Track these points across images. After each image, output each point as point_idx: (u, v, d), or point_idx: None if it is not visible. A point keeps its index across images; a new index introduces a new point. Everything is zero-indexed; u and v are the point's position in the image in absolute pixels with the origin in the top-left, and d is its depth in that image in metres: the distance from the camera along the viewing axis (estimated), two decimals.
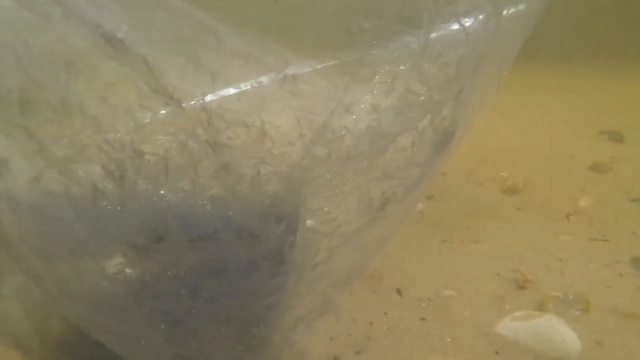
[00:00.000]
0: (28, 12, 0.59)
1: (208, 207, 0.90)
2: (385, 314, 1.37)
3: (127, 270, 0.94)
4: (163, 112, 0.70)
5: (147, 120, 0.69)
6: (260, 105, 0.79)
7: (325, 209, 1.00)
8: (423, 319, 1.35)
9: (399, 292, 1.47)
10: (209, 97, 0.77)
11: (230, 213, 0.93)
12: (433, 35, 0.84)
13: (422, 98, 0.98)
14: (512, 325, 1.26)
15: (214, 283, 0.93)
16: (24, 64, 0.59)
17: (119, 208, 0.80)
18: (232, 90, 0.81)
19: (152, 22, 0.66)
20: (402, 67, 0.96)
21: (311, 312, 1.05)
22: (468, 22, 0.86)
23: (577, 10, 3.59)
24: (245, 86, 0.86)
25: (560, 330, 1.20)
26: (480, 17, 0.87)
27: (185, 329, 0.88)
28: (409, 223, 1.87)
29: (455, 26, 0.89)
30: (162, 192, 0.83)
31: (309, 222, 1.01)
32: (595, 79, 3.56)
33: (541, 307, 1.33)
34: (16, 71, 0.60)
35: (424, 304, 1.41)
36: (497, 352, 1.21)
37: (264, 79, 0.88)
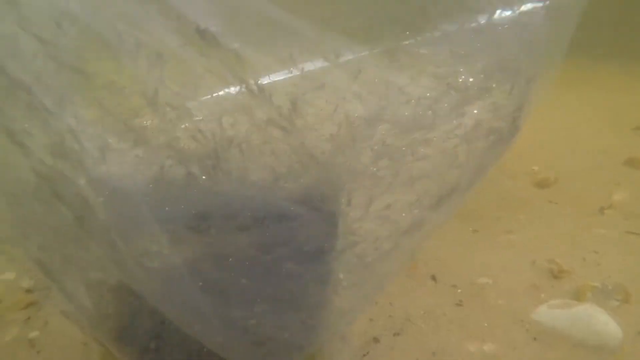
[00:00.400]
0: (123, 5, 0.62)
1: (253, 193, 0.93)
2: (422, 299, 1.39)
3: (179, 251, 0.97)
4: (244, 100, 0.73)
5: (229, 108, 0.72)
6: (333, 92, 0.81)
7: (376, 202, 1.02)
8: (459, 305, 1.37)
9: (433, 278, 1.49)
10: (284, 85, 0.80)
11: (279, 199, 0.95)
12: (495, 17, 0.85)
13: (476, 88, 0.99)
14: (550, 313, 1.27)
15: (261, 267, 0.96)
16: (118, 56, 0.62)
17: (185, 191, 0.84)
18: (305, 77, 0.83)
19: (235, 16, 0.69)
20: (456, 53, 0.97)
21: (366, 296, 1.08)
22: (527, 7, 0.87)
23: (616, 6, 3.54)
24: (311, 72, 0.88)
25: (600, 319, 1.20)
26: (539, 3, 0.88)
27: (241, 304, 0.91)
28: None
29: (513, 10, 0.90)
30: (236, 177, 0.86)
31: (355, 212, 1.03)
32: (631, 76, 3.50)
33: (578, 296, 1.34)
34: (110, 62, 0.63)
35: (459, 290, 1.43)
36: (534, 339, 1.22)
37: (324, 65, 0.90)
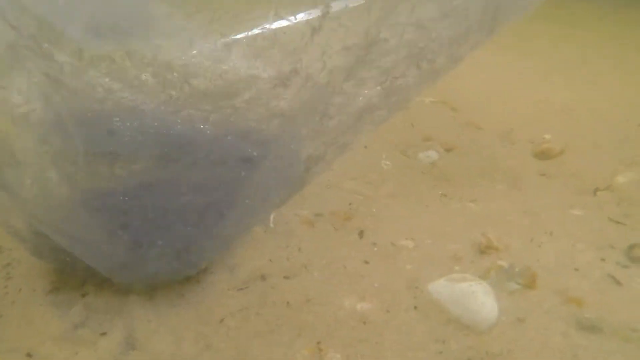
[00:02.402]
0: None
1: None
2: (334, 251, 1.42)
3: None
4: None
5: None
6: None
7: None
8: (366, 262, 1.38)
9: (360, 234, 1.50)
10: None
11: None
12: None
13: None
14: (441, 285, 1.23)
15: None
16: None
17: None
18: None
19: None
20: None
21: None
22: None
23: None
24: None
25: (479, 299, 1.15)
26: None
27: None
28: (414, 173, 1.82)
29: None
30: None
31: None
32: None
33: (484, 274, 1.27)
34: None
35: (375, 249, 1.43)
36: (415, 307, 1.21)
37: None
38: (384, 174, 1.80)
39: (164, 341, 1.12)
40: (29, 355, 1.09)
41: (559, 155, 1.87)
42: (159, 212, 1.13)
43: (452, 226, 1.52)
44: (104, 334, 1.14)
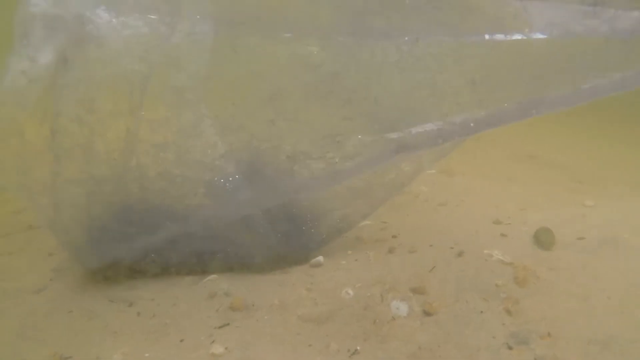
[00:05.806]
0: None
1: None
2: (178, 319, 1.53)
3: None
4: None
5: None
6: None
7: None
8: (181, 340, 1.43)
9: (223, 325, 1.50)
10: None
11: None
12: None
13: None
14: None
15: None
16: None
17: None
18: None
19: None
20: None
21: None
22: None
23: None
24: None
25: None
26: None
27: None
28: (364, 316, 1.51)
29: None
30: None
31: None
32: None
33: None
34: None
35: (197, 337, 1.43)
36: None
37: None
38: (333, 301, 1.60)
39: (48, 298, 1.69)
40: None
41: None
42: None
43: None
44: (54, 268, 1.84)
